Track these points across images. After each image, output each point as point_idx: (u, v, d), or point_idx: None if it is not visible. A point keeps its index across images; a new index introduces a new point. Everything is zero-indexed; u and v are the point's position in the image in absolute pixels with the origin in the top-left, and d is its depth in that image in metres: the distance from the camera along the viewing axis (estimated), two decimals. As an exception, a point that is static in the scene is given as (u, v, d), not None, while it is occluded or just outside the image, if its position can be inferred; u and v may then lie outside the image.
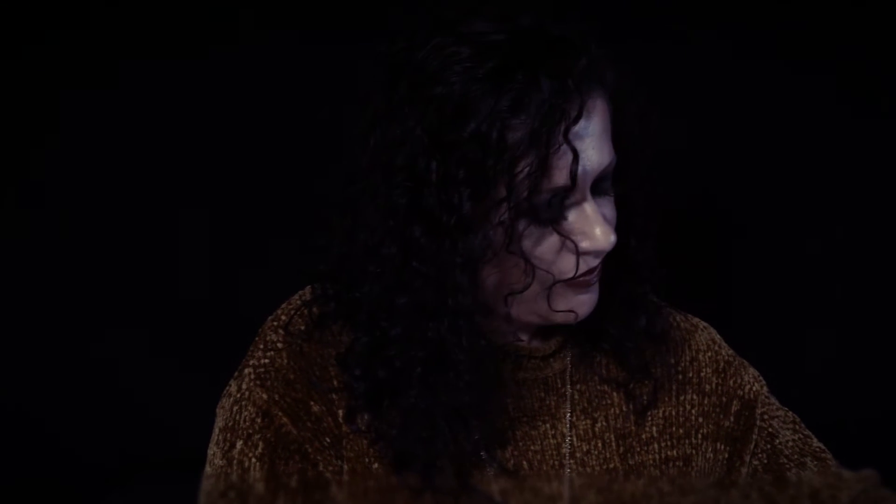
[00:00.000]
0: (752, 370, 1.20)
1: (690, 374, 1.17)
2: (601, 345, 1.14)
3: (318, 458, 1.03)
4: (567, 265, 1.02)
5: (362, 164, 1.00)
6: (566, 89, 0.95)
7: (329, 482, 1.03)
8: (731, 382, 1.18)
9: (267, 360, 1.05)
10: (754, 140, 1.51)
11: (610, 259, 1.07)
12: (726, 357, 1.20)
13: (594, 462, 1.11)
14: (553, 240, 1.01)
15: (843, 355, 1.55)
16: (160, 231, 1.47)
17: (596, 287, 1.06)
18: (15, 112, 1.43)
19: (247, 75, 1.45)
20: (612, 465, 1.11)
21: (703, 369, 1.18)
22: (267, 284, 1.15)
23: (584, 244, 1.01)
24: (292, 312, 1.07)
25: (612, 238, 1.01)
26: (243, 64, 1.45)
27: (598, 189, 1.02)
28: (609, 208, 1.04)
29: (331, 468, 1.03)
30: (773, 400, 1.20)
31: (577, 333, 1.12)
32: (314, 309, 1.07)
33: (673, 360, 1.16)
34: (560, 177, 0.97)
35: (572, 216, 1.01)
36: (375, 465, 1.03)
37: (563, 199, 0.99)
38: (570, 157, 0.96)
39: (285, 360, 1.04)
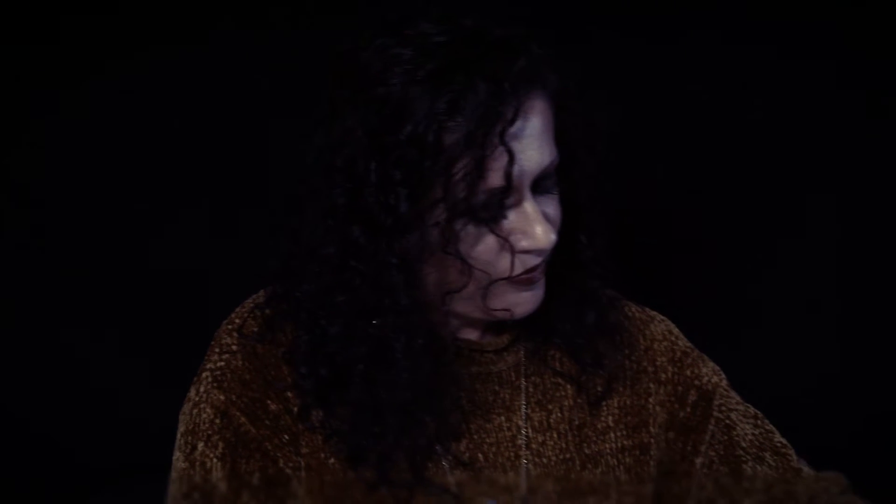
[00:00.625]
0: (711, 363, 1.21)
1: (645, 364, 1.18)
2: (553, 340, 1.15)
3: (278, 454, 1.05)
4: (507, 264, 1.03)
5: (308, 163, 1.02)
6: (502, 91, 0.96)
7: (290, 478, 1.05)
8: (689, 372, 1.18)
9: (223, 363, 1.07)
10: (754, 139, 1.52)
11: (559, 256, 1.09)
12: (683, 348, 1.20)
13: (550, 453, 1.12)
14: (491, 240, 1.02)
15: (843, 355, 1.54)
16: (155, 228, 1.48)
17: (540, 284, 1.07)
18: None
19: (236, 75, 1.46)
20: (568, 456, 1.12)
21: (658, 358, 1.19)
22: (258, 287, 1.16)
23: (525, 243, 1.02)
24: (245, 315, 1.09)
25: (553, 237, 1.02)
26: (232, 64, 1.46)
27: (540, 187, 1.04)
28: (552, 207, 1.06)
29: (291, 464, 1.05)
30: (733, 394, 1.20)
31: (529, 328, 1.14)
32: (266, 311, 1.09)
33: (627, 352, 1.17)
34: (495, 178, 0.98)
35: (513, 216, 1.02)
36: (332, 461, 1.05)
37: (502, 199, 1.00)
38: (505, 158, 0.97)
39: (240, 362, 1.06)
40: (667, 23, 1.48)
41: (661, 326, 1.22)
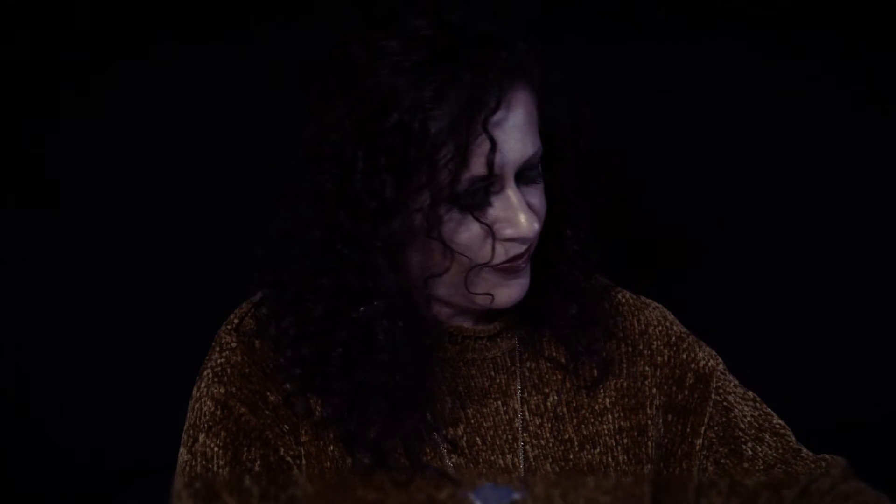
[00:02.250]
0: (707, 348, 1.22)
1: (641, 347, 1.20)
2: (543, 328, 1.17)
3: (279, 443, 1.07)
4: (490, 252, 1.05)
5: (298, 154, 1.05)
6: (486, 81, 0.99)
7: (291, 466, 1.07)
8: (685, 356, 1.20)
9: (223, 360, 1.09)
10: (755, 137, 1.53)
11: (546, 248, 1.11)
12: (678, 333, 1.22)
13: (548, 435, 1.13)
14: (476, 227, 1.04)
15: (844, 355, 1.55)
16: (157, 229, 1.48)
17: (524, 274, 1.09)
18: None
19: (244, 76, 1.47)
20: (566, 437, 1.14)
21: (654, 342, 1.20)
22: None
23: (508, 231, 1.04)
24: (243, 315, 1.12)
25: (536, 226, 1.05)
26: (249, 59, 1.47)
27: (524, 178, 1.06)
28: (537, 197, 1.08)
29: (291, 453, 1.07)
30: (730, 377, 1.21)
31: (520, 316, 1.16)
32: (262, 309, 1.11)
33: (621, 335, 1.19)
34: (478, 165, 1.00)
35: (497, 204, 1.04)
36: (331, 448, 1.07)
37: (487, 187, 1.03)
38: (487, 146, 0.99)
39: (240, 357, 1.09)
40: (659, 20, 1.50)
41: (656, 312, 1.23)
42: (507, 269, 1.07)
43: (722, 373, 1.20)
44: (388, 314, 1.03)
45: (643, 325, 1.21)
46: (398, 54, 1.00)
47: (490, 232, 1.04)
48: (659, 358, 1.19)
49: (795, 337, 1.55)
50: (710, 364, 1.20)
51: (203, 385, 1.09)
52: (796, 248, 1.56)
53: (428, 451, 1.08)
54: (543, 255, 1.12)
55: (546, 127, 1.07)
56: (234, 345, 1.10)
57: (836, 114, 1.51)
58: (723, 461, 1.16)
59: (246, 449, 1.06)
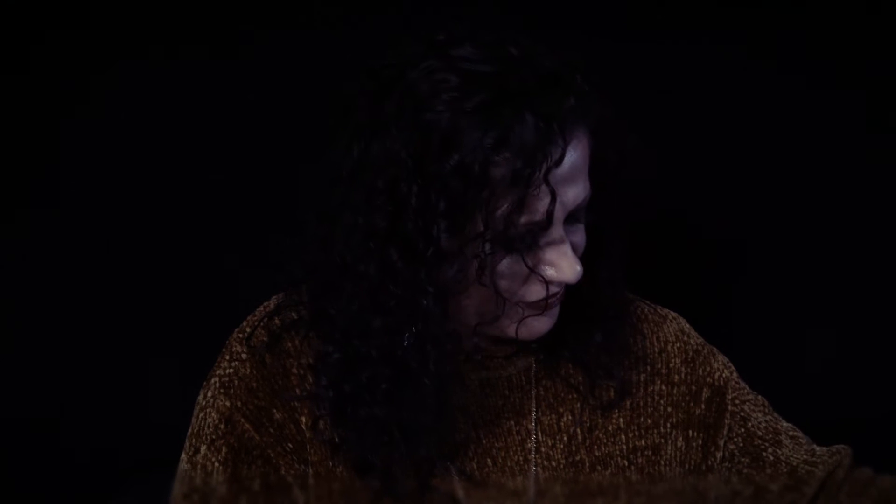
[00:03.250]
0: (721, 357, 1.21)
1: (659, 366, 1.18)
2: (562, 352, 1.15)
3: (280, 462, 1.06)
4: (533, 292, 1.03)
5: (342, 174, 1.00)
6: (551, 130, 0.96)
7: (291, 485, 1.06)
8: (701, 371, 1.19)
9: (231, 370, 1.08)
10: (754, 140, 1.51)
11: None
12: (695, 346, 1.20)
13: (560, 456, 1.12)
14: (521, 269, 1.01)
15: (843, 355, 1.54)
16: (157, 228, 1.48)
17: (555, 311, 1.07)
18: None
19: (244, 78, 1.47)
20: (578, 458, 1.12)
21: (672, 360, 1.19)
22: (270, 288, 1.16)
23: (551, 273, 1.02)
24: (256, 324, 1.10)
25: (578, 269, 1.02)
26: (240, 67, 1.47)
27: (571, 218, 1.03)
28: (580, 235, 1.06)
29: (292, 472, 1.06)
30: (742, 384, 1.21)
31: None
32: (276, 320, 1.09)
33: (632, 362, 1.17)
34: (537, 214, 0.98)
35: (544, 247, 1.02)
36: (339, 469, 1.06)
37: (537, 233, 1.00)
38: (548, 197, 0.97)
39: (248, 370, 1.07)
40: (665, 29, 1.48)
41: (674, 326, 1.22)
42: (541, 307, 1.05)
43: (736, 382, 1.20)
44: (434, 359, 1.01)
45: (661, 343, 1.20)
46: (458, 90, 0.96)
47: (536, 275, 1.02)
48: (676, 376, 1.18)
49: (796, 337, 1.55)
50: (724, 375, 1.20)
51: (210, 394, 1.08)
52: (797, 248, 1.55)
53: (437, 473, 1.06)
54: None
55: (593, 164, 1.04)
56: (244, 356, 1.08)
57: (836, 119, 1.50)
58: (746, 471, 1.17)
59: (246, 466, 1.05)
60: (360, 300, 1.00)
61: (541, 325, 1.07)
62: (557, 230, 1.01)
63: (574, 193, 1.00)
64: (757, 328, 1.55)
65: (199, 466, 1.05)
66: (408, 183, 0.96)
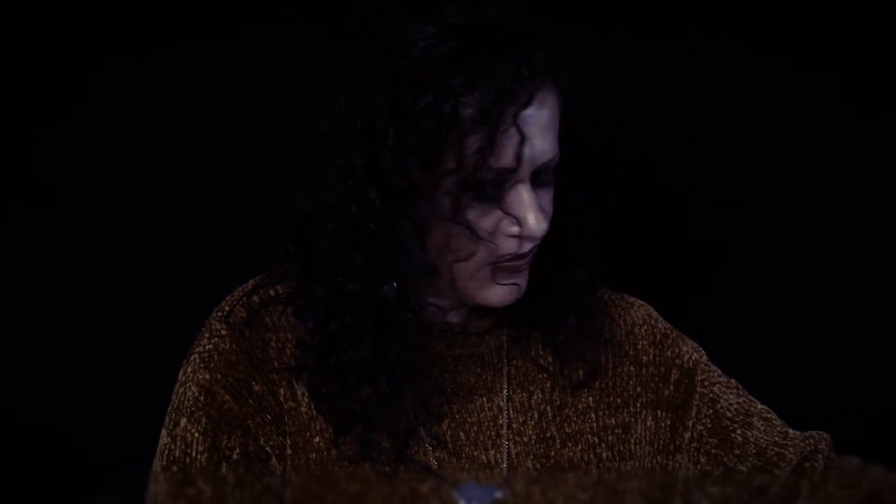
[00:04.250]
0: (690, 342, 1.23)
1: (627, 347, 1.20)
2: (533, 332, 1.18)
3: (260, 433, 1.07)
4: (503, 246, 1.06)
5: (326, 128, 1.05)
6: (520, 75, 1.01)
7: (270, 455, 1.08)
8: (669, 353, 1.21)
9: (211, 346, 1.10)
10: (754, 136, 1.51)
11: (547, 252, 1.11)
12: (663, 330, 1.23)
13: (531, 432, 1.14)
14: (490, 219, 1.05)
15: (843, 355, 1.54)
16: (153, 224, 1.49)
17: (523, 276, 1.10)
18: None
19: (245, 70, 1.47)
20: (548, 435, 1.14)
21: (640, 341, 1.21)
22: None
23: (515, 228, 1.05)
24: (234, 302, 1.12)
25: (544, 226, 1.06)
26: (240, 58, 1.47)
27: (538, 180, 1.07)
28: (546, 200, 1.09)
29: (271, 443, 1.08)
30: (713, 367, 1.22)
31: (511, 315, 1.16)
32: (254, 297, 1.13)
33: (608, 337, 1.19)
34: (506, 156, 1.02)
35: (509, 199, 1.05)
36: (316, 440, 1.08)
37: (503, 181, 1.04)
38: (517, 139, 1.01)
39: (228, 345, 1.10)
40: (664, 24, 1.50)
41: (641, 311, 1.24)
42: (508, 269, 1.08)
43: (706, 364, 1.22)
44: (414, 294, 1.05)
45: (629, 326, 1.22)
46: (434, 38, 1.01)
47: (508, 225, 1.05)
48: (644, 357, 1.20)
49: (796, 337, 1.55)
50: (693, 357, 1.21)
51: (189, 370, 1.10)
52: (796, 248, 1.55)
53: (412, 444, 1.09)
54: (544, 260, 1.13)
55: (564, 133, 1.08)
56: (223, 332, 1.11)
57: (837, 122, 1.51)
58: (714, 451, 1.18)
59: (226, 436, 1.07)
60: (342, 238, 1.04)
61: (506, 291, 1.09)
62: (523, 183, 1.04)
63: (542, 147, 1.03)
64: (757, 328, 1.55)
65: (178, 438, 1.07)
66: (384, 123, 1.01)
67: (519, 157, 1.02)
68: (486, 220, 1.05)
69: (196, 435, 1.07)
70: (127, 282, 1.49)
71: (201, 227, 1.49)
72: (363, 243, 1.04)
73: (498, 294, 1.09)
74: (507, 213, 1.05)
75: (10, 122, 1.46)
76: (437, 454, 1.10)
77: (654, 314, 1.24)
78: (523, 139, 1.01)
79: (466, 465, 1.11)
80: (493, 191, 1.04)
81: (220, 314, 1.13)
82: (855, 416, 1.47)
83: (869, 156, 1.51)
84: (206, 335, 1.12)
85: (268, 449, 1.08)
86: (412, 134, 1.00)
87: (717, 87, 1.50)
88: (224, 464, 1.06)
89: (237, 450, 1.07)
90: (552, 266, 1.14)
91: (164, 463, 1.07)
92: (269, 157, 1.41)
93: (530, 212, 1.05)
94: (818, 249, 1.54)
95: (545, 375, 1.17)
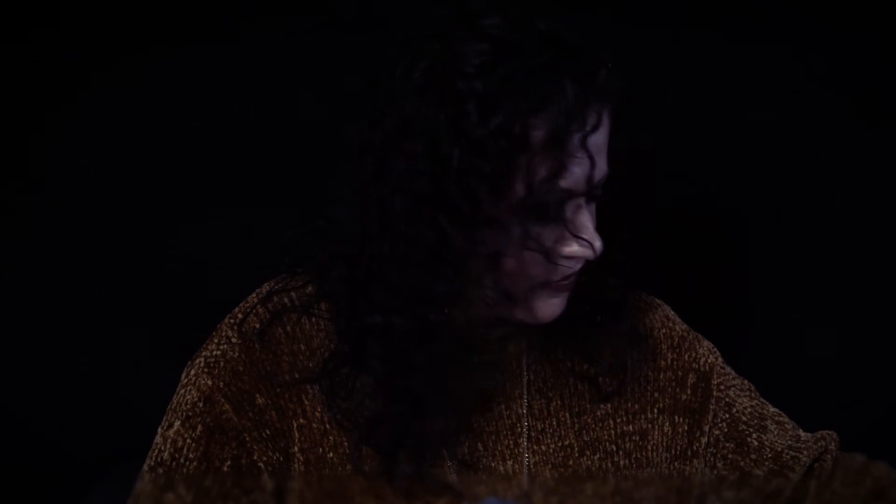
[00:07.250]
0: (706, 343, 1.22)
1: (646, 352, 1.18)
2: (556, 337, 1.14)
3: (255, 447, 1.04)
4: (550, 268, 1.04)
5: (374, 144, 1.00)
6: (587, 96, 0.98)
7: (262, 471, 1.05)
8: (687, 357, 1.19)
9: (219, 352, 1.07)
10: (756, 139, 1.52)
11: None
12: (681, 332, 1.21)
13: (549, 440, 1.12)
14: (552, 239, 1.02)
15: (844, 355, 1.55)
16: (153, 224, 1.49)
17: (566, 295, 1.07)
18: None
19: (246, 67, 1.47)
20: (567, 443, 1.12)
21: (658, 346, 1.19)
22: (254, 282, 1.16)
23: (576, 248, 1.03)
24: (248, 311, 1.09)
25: (599, 244, 1.03)
26: (242, 55, 1.47)
27: (591, 196, 1.04)
28: (594, 215, 1.06)
29: (265, 458, 1.05)
30: (728, 370, 1.21)
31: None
32: (269, 306, 1.09)
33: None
34: (575, 180, 0.99)
35: (573, 220, 1.03)
36: (330, 455, 1.05)
37: (567, 200, 1.02)
38: (587, 163, 0.99)
39: (236, 353, 1.06)
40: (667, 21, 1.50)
41: (659, 312, 1.22)
42: (559, 288, 1.06)
43: (721, 367, 1.20)
44: (489, 322, 1.04)
45: (647, 329, 1.20)
46: (490, 56, 0.97)
47: (556, 249, 1.03)
48: (662, 362, 1.19)
49: (796, 337, 1.56)
50: (709, 361, 1.20)
51: (193, 373, 1.07)
52: (796, 248, 1.55)
53: (430, 458, 1.05)
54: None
55: (610, 147, 1.05)
56: (233, 340, 1.08)
57: (836, 118, 1.52)
58: (731, 456, 1.17)
59: (219, 447, 1.04)
60: (418, 267, 1.00)
61: (552, 307, 1.07)
62: (581, 204, 1.02)
63: (602, 166, 1.01)
64: (756, 328, 1.56)
65: (169, 441, 1.04)
66: (449, 146, 0.96)
67: (590, 182, 1.00)
68: (550, 241, 1.03)
69: (188, 441, 1.04)
70: (127, 282, 1.49)
71: (205, 227, 1.49)
72: (441, 272, 1.00)
73: (550, 308, 1.07)
74: (575, 235, 1.02)
75: (10, 122, 1.45)
76: (455, 468, 1.07)
77: (672, 315, 1.23)
78: (593, 163, 0.99)
79: (484, 478, 1.08)
80: (556, 212, 1.01)
81: (232, 321, 1.10)
82: (855, 416, 1.47)
83: (871, 155, 1.52)
84: (216, 340, 1.09)
85: (260, 464, 1.04)
86: (480, 158, 0.96)
87: (740, 92, 1.51)
88: (210, 475, 1.03)
89: (228, 461, 1.04)
90: (589, 278, 1.10)
91: (152, 463, 1.05)
92: (272, 158, 1.48)
93: (589, 232, 1.03)
94: (818, 249, 1.55)
95: (564, 382, 1.14)
